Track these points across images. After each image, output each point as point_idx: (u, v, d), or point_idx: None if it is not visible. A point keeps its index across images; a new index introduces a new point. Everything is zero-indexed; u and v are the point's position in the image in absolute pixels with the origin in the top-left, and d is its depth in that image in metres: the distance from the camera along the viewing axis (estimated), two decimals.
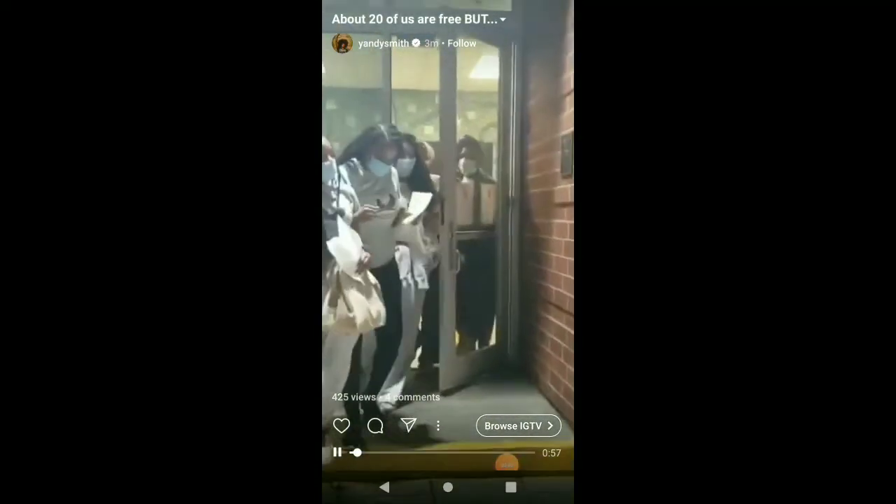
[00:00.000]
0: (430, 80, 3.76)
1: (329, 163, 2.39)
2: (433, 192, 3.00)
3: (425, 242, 3.11)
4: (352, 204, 2.44)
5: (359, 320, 2.34)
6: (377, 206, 2.60)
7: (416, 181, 2.99)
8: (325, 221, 2.28)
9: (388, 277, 2.68)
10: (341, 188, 2.42)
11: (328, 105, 7.12)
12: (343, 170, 2.59)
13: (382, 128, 2.66)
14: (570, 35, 2.80)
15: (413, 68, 5.90)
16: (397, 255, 2.89)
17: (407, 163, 2.95)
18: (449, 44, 3.24)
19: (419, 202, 2.83)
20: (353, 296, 2.35)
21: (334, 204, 2.38)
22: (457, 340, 3.54)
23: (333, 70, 6.16)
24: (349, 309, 2.33)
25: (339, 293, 2.33)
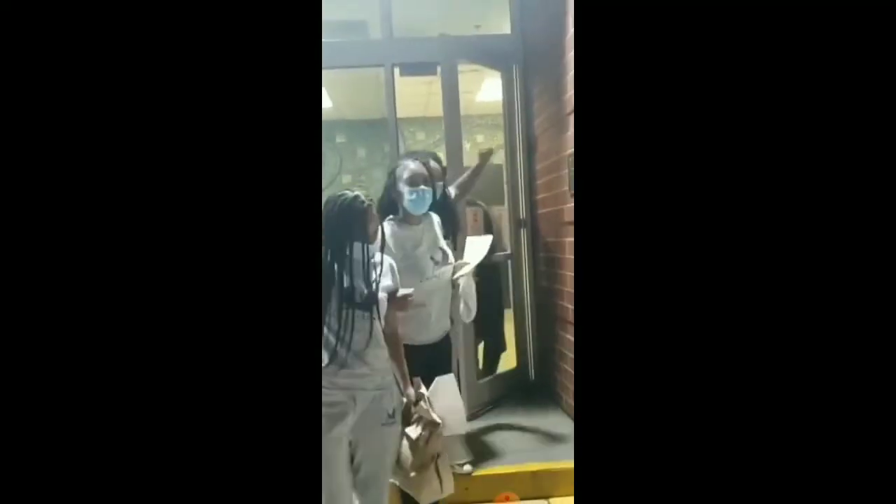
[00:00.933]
0: (438, 105, 3.79)
1: (374, 246, 1.85)
2: (459, 218, 2.73)
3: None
4: (392, 282, 1.91)
5: (447, 488, 1.98)
6: (432, 263, 2.24)
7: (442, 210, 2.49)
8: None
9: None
10: (382, 266, 1.87)
11: (338, 139, 7.23)
12: (386, 227, 2.00)
13: (410, 164, 2.20)
14: (570, 55, 2.83)
15: (419, 96, 5.98)
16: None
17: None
18: (450, 70, 3.27)
19: (477, 247, 2.39)
20: (444, 462, 1.97)
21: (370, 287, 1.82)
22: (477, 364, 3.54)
23: (340, 104, 6.29)
24: (440, 477, 1.94)
25: (431, 464, 1.92)
